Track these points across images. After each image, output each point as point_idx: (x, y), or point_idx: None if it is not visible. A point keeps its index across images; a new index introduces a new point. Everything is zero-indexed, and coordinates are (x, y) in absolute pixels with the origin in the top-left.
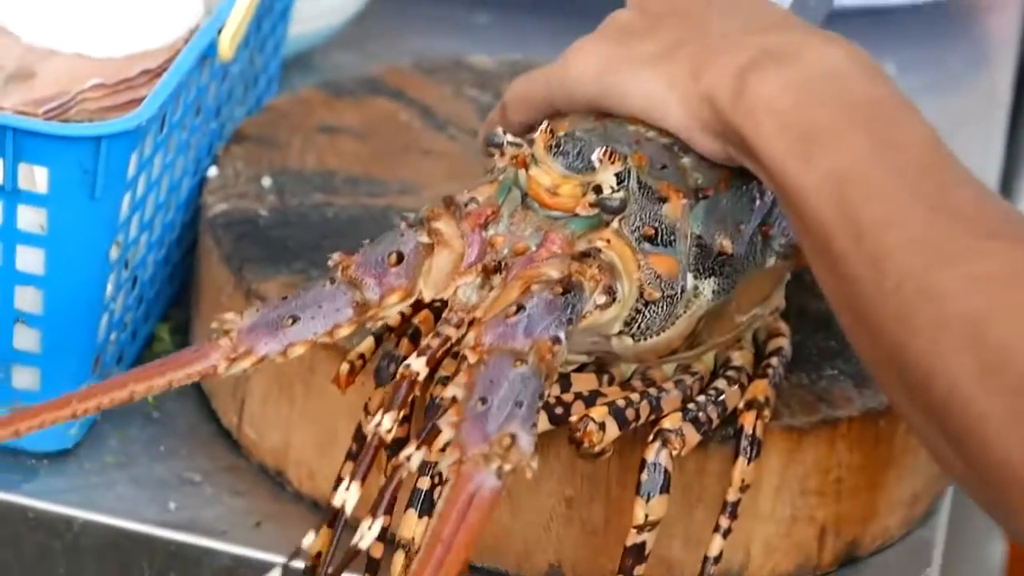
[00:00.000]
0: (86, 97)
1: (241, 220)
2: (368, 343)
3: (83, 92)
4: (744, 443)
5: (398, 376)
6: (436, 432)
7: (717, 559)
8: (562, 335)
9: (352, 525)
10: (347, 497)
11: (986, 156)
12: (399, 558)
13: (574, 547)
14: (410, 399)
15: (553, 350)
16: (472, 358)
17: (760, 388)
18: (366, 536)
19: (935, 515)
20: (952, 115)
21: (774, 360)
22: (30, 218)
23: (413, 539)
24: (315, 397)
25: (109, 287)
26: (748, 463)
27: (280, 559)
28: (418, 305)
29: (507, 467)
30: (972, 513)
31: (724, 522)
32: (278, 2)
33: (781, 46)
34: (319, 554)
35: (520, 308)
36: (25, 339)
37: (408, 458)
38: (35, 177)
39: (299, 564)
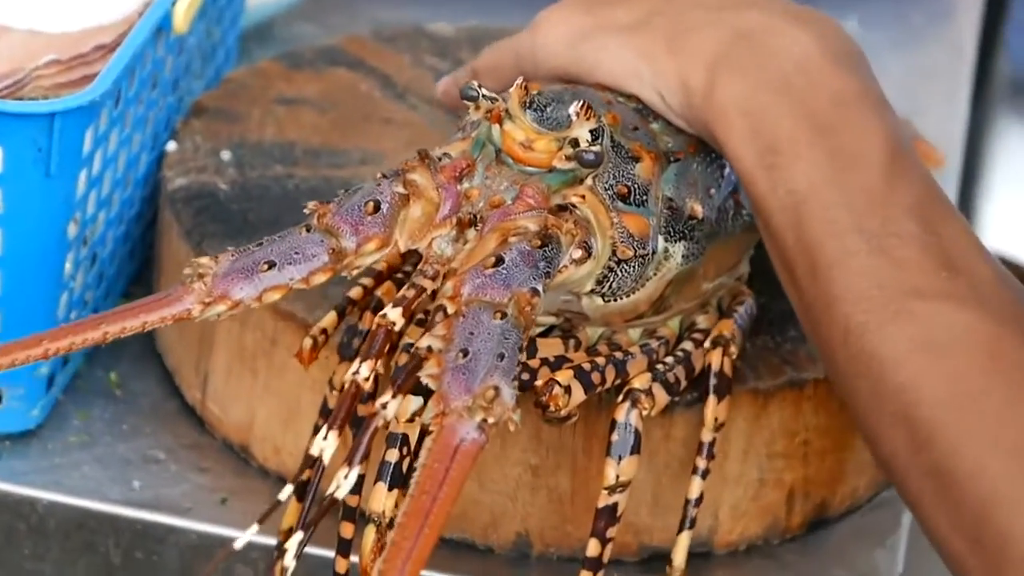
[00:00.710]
0: (40, 74)
1: (201, 194)
2: (331, 317)
3: (37, 69)
4: (712, 380)
5: (374, 326)
6: (413, 380)
7: (698, 501)
8: (540, 287)
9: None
10: (325, 446)
11: (951, 110)
12: (370, 532)
13: (541, 516)
14: (386, 349)
15: (532, 302)
16: (450, 308)
17: (725, 326)
18: (343, 485)
19: None
20: (917, 70)
21: (738, 306)
22: None
23: (383, 513)
24: (278, 371)
25: (68, 265)
26: (719, 401)
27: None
28: (380, 277)
29: (491, 420)
30: None
31: (701, 463)
32: None
33: (754, 28)
34: (289, 530)
35: (499, 260)
36: None
37: (384, 406)
38: None
39: (271, 541)
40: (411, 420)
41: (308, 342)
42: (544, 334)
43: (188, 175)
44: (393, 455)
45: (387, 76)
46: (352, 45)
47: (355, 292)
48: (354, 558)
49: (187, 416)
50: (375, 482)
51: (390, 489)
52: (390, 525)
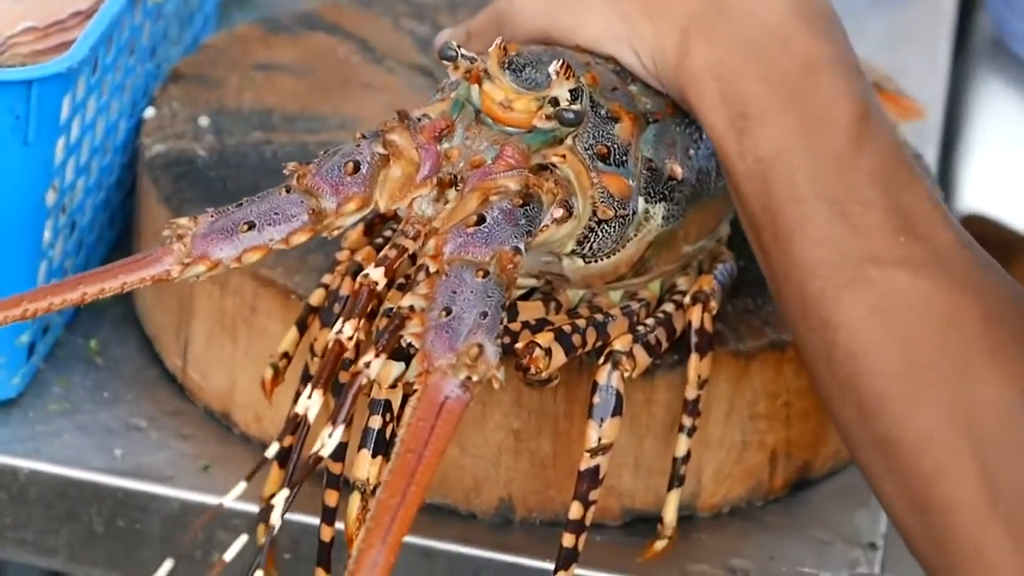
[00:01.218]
0: (17, 41)
1: (179, 161)
2: (291, 336)
3: (14, 36)
4: (694, 338)
5: (356, 285)
6: (396, 339)
7: (686, 459)
8: (522, 246)
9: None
10: (309, 404)
11: (931, 69)
12: (355, 500)
13: (523, 481)
14: (368, 308)
15: (514, 260)
16: (432, 267)
17: (705, 281)
18: (327, 444)
19: None
20: (897, 30)
21: (718, 264)
22: None
23: (368, 480)
24: (258, 337)
25: (47, 233)
26: (700, 358)
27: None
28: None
29: (475, 377)
30: None
31: (687, 420)
32: None
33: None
34: (272, 496)
35: (480, 219)
36: None
37: (367, 364)
38: None
39: (253, 508)
40: (393, 386)
41: (269, 372)
42: (525, 297)
43: (166, 142)
44: (376, 421)
45: (365, 41)
46: (330, 10)
47: (316, 297)
48: (339, 525)
49: (168, 383)
50: (359, 449)
51: (374, 456)
52: (375, 492)
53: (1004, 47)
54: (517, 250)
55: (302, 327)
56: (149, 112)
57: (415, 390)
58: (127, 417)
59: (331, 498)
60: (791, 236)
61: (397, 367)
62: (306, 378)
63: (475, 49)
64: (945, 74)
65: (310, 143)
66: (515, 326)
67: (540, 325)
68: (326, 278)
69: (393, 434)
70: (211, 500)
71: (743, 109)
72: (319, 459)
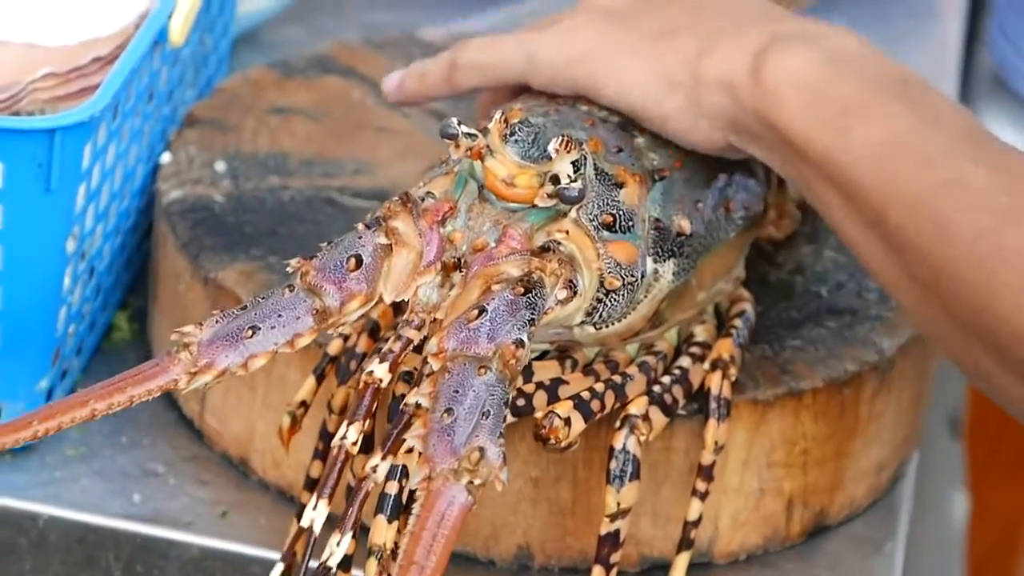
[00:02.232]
0: (37, 87)
1: (196, 207)
2: (309, 385)
3: (34, 82)
4: (712, 404)
5: (361, 384)
6: (401, 442)
7: (696, 522)
8: (525, 337)
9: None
10: (315, 516)
11: None
12: (371, 565)
13: (542, 528)
14: (374, 408)
15: (516, 355)
16: (435, 365)
17: (724, 347)
18: (336, 553)
19: (901, 482)
20: None
21: (737, 321)
22: None
23: (384, 544)
24: (277, 385)
25: (66, 279)
26: (719, 424)
27: (250, 550)
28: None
29: (477, 481)
30: (935, 473)
31: (701, 485)
32: None
33: (795, 32)
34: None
35: (481, 311)
36: None
37: (374, 469)
38: None
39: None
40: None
41: (287, 421)
42: (540, 356)
43: (183, 187)
44: (392, 487)
45: (378, 83)
46: (343, 52)
47: (334, 347)
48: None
49: (185, 428)
50: (375, 514)
51: (390, 522)
52: (392, 556)
53: (1004, 84)
54: (519, 343)
55: (320, 376)
56: (166, 157)
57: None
58: (145, 462)
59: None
60: (947, 189)
61: (413, 444)
62: (324, 435)
63: (466, 84)
64: None
65: (326, 187)
66: (530, 387)
67: (555, 385)
68: (340, 329)
69: (410, 498)
70: (230, 547)
71: (842, 108)
72: (328, 570)
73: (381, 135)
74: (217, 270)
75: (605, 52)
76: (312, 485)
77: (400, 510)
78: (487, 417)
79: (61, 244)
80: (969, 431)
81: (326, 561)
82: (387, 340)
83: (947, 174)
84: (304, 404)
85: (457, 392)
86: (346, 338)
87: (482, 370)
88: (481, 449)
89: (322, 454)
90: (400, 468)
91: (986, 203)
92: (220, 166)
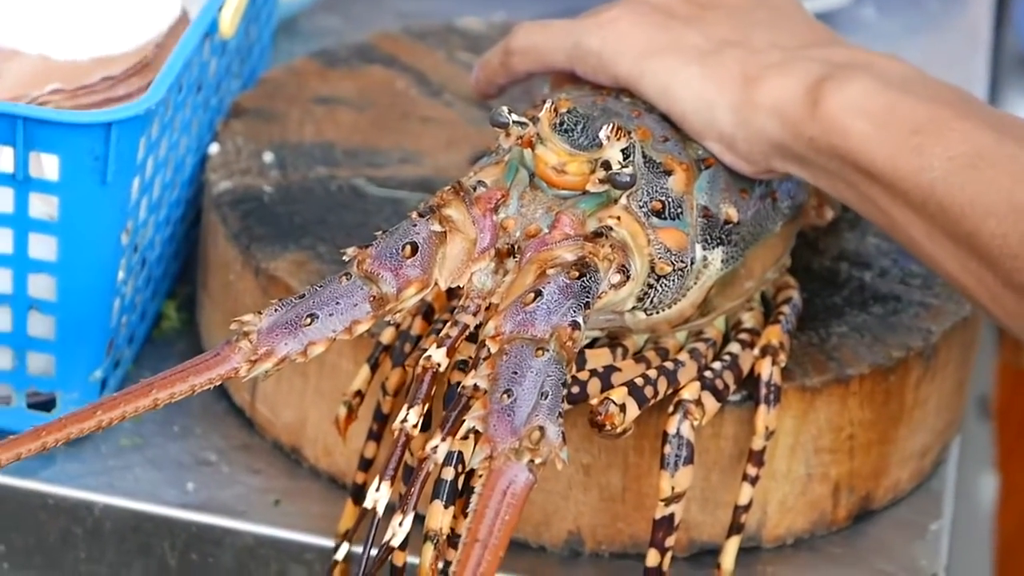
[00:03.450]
0: (45, 101)
1: (246, 197)
2: (364, 375)
3: (41, 96)
4: (763, 391)
5: (419, 368)
6: (460, 423)
7: (747, 507)
8: (580, 319)
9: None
10: (378, 497)
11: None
12: (428, 550)
13: (592, 514)
14: (432, 392)
15: (573, 336)
16: (493, 347)
17: (773, 333)
18: (399, 533)
19: (943, 465)
20: (934, 56)
21: (785, 308)
22: (39, 206)
23: (440, 530)
24: (329, 374)
25: (121, 271)
26: (769, 410)
27: (303, 537)
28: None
29: (538, 460)
30: (967, 454)
31: (752, 470)
32: None
33: (847, 59)
34: (346, 532)
35: (537, 294)
36: (40, 326)
37: (435, 449)
38: (44, 165)
39: (327, 542)
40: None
41: (343, 411)
42: (591, 344)
43: (232, 178)
44: (448, 473)
45: (422, 73)
46: (384, 42)
47: (387, 335)
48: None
49: (236, 417)
50: (431, 500)
51: (446, 507)
52: (448, 542)
53: None
54: (575, 324)
55: (374, 365)
56: (214, 147)
57: (479, 475)
58: (197, 451)
59: (399, 558)
60: None
61: (473, 425)
62: (379, 416)
63: (522, 68)
64: (984, 98)
65: (373, 177)
66: (583, 375)
67: (608, 372)
68: (396, 316)
69: (467, 484)
70: (284, 534)
71: (913, 129)
72: (391, 549)
73: (426, 125)
74: (268, 260)
75: (650, 53)
76: (366, 466)
77: (456, 496)
78: (546, 397)
79: (116, 236)
80: (999, 412)
81: (388, 541)
82: (441, 323)
83: None
84: (359, 394)
85: (516, 373)
86: (397, 326)
87: (539, 351)
88: (541, 428)
89: (376, 435)
90: (456, 454)
91: None
92: (268, 156)
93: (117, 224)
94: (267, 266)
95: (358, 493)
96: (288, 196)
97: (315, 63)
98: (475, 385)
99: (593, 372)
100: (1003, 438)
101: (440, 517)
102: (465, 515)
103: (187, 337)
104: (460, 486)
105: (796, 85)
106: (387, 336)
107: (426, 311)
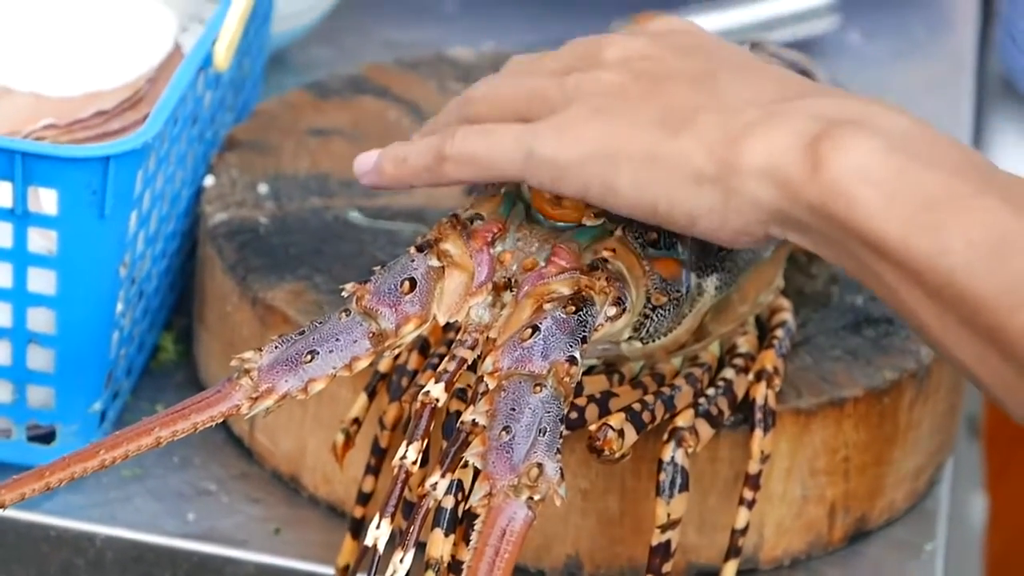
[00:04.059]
0: (39, 136)
1: (242, 229)
2: (361, 403)
3: (35, 132)
4: (758, 415)
5: (418, 404)
6: (459, 460)
7: (744, 531)
8: (577, 355)
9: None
10: (379, 535)
11: (955, 120)
12: None
13: (591, 538)
14: (431, 427)
15: (570, 372)
16: (491, 383)
17: (768, 358)
18: (399, 570)
19: (937, 486)
20: (919, 81)
21: (779, 331)
22: (38, 241)
23: (441, 558)
24: (327, 402)
25: (119, 304)
26: (764, 434)
27: (304, 566)
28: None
29: (536, 496)
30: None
31: (748, 494)
32: (260, 5)
33: (837, 111)
34: (346, 567)
35: (535, 330)
36: (39, 359)
37: (434, 486)
38: (42, 199)
39: (328, 570)
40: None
41: (340, 438)
42: (587, 371)
43: (228, 210)
44: (448, 501)
45: (414, 103)
46: (376, 73)
47: (384, 364)
48: None
49: (235, 446)
50: (432, 528)
51: (447, 535)
52: (449, 569)
53: (1014, 88)
54: (573, 360)
55: (371, 393)
56: (208, 180)
57: (478, 512)
58: (197, 481)
59: None
60: None
61: (473, 462)
62: (376, 450)
63: (457, 176)
64: (969, 123)
65: (368, 208)
66: (581, 400)
67: (605, 398)
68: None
69: (467, 511)
70: (285, 563)
71: (925, 203)
72: None
73: None
74: (265, 290)
75: (614, 151)
76: (364, 500)
77: (456, 523)
78: (544, 434)
79: (114, 269)
80: (987, 433)
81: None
82: (437, 357)
83: None
84: (357, 421)
85: (514, 410)
86: (396, 355)
87: (537, 388)
88: (539, 465)
89: (374, 469)
90: (456, 483)
91: None
92: (263, 188)
93: (115, 257)
94: (264, 296)
95: (357, 528)
96: (284, 227)
97: (308, 95)
98: (474, 421)
99: (590, 398)
100: (992, 459)
101: (441, 545)
102: (466, 542)
103: (184, 368)
104: (460, 514)
105: (787, 142)
106: (384, 365)
107: (422, 345)
